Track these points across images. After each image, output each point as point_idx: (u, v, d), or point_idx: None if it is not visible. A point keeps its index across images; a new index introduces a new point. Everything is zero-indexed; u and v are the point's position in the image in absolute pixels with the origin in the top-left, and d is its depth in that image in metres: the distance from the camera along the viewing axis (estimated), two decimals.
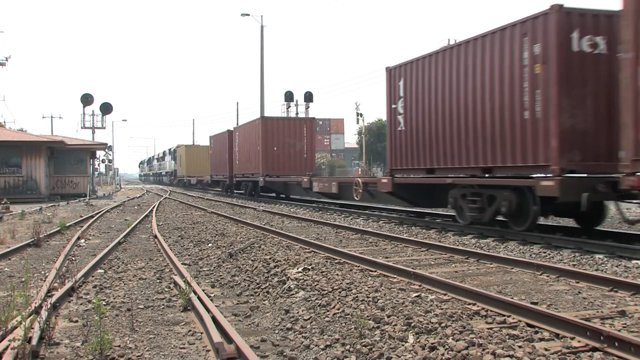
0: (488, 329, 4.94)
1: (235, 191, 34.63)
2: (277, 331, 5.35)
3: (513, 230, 11.44)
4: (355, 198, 18.94)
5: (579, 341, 4.54)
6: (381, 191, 16.34)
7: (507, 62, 11.27)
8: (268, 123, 28.00)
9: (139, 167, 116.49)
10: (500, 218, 12.15)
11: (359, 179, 19.68)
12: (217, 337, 4.65)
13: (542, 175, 10.61)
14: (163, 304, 6.43)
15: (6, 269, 8.97)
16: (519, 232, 11.21)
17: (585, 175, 10.41)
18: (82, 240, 12.53)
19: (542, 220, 12.22)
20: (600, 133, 10.13)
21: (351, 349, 4.60)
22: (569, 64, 10.19)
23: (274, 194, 29.41)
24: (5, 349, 4.34)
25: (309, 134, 28.28)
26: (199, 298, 6.08)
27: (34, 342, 4.56)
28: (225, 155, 34.58)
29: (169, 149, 64.50)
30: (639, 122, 8.51)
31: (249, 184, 30.80)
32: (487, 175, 12.13)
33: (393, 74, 15.55)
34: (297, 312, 5.90)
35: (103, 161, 66.94)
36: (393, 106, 15.52)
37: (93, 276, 8.14)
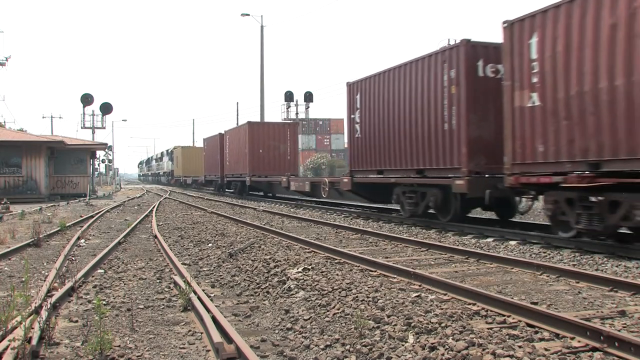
0: (488, 329, 4.94)
1: (226, 190, 36.66)
2: (277, 331, 5.35)
3: (513, 231, 11.56)
4: (323, 195, 22.13)
5: (579, 341, 4.54)
6: (343, 189, 19.20)
7: (433, 83, 13.62)
8: (255, 127, 30.46)
9: (138, 167, 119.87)
10: (431, 211, 14.48)
11: (326, 178, 22.82)
12: (217, 337, 4.65)
13: (457, 175, 12.76)
14: (163, 304, 6.43)
15: (6, 268, 8.97)
16: (519, 233, 11.34)
17: (488, 175, 12.57)
18: (82, 240, 12.53)
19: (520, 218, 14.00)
20: (499, 142, 11.65)
21: (351, 349, 4.60)
22: (476, 86, 12.58)
23: (261, 193, 31.95)
24: (5, 349, 4.34)
25: (292, 137, 30.58)
26: (199, 298, 6.09)
27: (34, 342, 4.56)
28: (217, 156, 36.86)
29: (167, 150, 66.90)
30: (515, 135, 10.86)
31: (237, 183, 32.95)
32: (419, 175, 14.38)
33: (352, 88, 17.87)
34: (297, 312, 5.90)
35: (103, 161, 66.97)
36: (352, 116, 17.92)
37: (93, 276, 8.14)
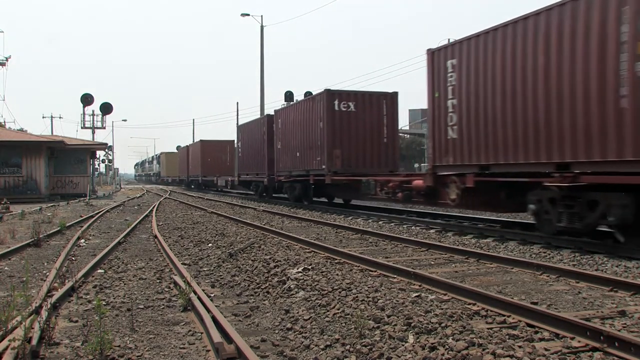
0: (488, 329, 4.94)
1: (190, 186, 52.71)
2: (277, 331, 5.35)
3: (513, 231, 11.57)
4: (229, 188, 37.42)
5: (579, 341, 4.54)
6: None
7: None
8: (205, 144, 45.41)
9: (134, 168, 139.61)
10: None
11: (230, 177, 36.15)
12: (217, 337, 4.65)
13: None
14: (163, 304, 6.43)
15: (6, 268, 8.97)
16: (518, 232, 11.31)
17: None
18: (82, 240, 12.52)
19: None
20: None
21: (351, 349, 4.60)
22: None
23: (213, 188, 44.33)
24: (6, 349, 4.34)
25: (230, 151, 42.81)
26: (199, 298, 6.08)
27: (34, 342, 4.56)
28: (185, 163, 53.94)
29: (155, 155, 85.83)
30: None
31: (197, 181, 48.32)
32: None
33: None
34: (297, 312, 5.90)
35: (103, 161, 66.93)
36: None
37: (93, 276, 8.14)
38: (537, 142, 10.38)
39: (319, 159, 21.04)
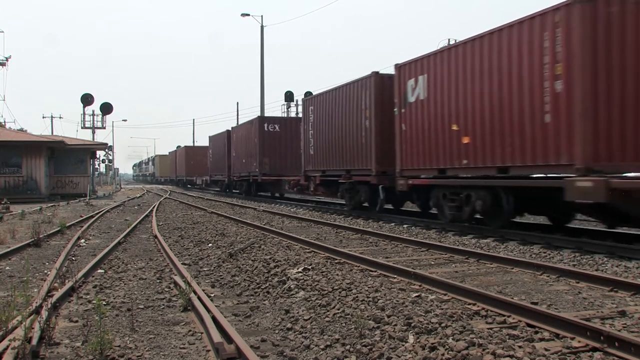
0: (488, 329, 4.94)
1: (177, 184, 62.39)
2: (277, 331, 5.35)
3: (513, 231, 11.58)
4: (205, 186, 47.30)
5: (579, 341, 4.54)
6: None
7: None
8: (189, 149, 56.04)
9: (133, 169, 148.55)
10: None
11: (206, 177, 44.59)
12: (217, 337, 4.65)
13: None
14: (163, 304, 6.43)
15: (7, 268, 8.97)
16: (518, 233, 11.34)
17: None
18: (82, 240, 12.52)
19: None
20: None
21: (351, 349, 4.60)
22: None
23: (196, 186, 53.36)
24: (6, 348, 4.34)
25: (206, 154, 46.27)
26: (199, 298, 6.08)
27: (34, 342, 4.56)
28: (174, 164, 63.08)
29: (150, 157, 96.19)
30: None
31: (183, 180, 57.81)
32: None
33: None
34: (297, 312, 5.90)
35: (103, 161, 67.00)
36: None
37: (93, 276, 8.14)
38: (339, 158, 19.23)
39: (255, 164, 29.57)
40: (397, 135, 15.20)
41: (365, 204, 18.34)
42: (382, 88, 16.52)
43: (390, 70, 15.94)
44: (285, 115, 46.01)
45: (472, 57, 12.21)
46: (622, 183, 9.05)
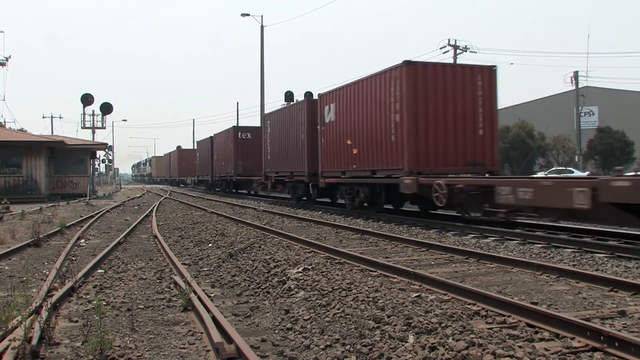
0: (488, 329, 4.94)
1: (172, 184, 67.20)
2: (277, 331, 5.35)
3: (513, 231, 11.64)
4: (193, 185, 54.26)
5: (579, 341, 4.53)
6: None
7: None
8: (181, 151, 61.15)
9: (131, 169, 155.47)
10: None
11: (194, 177, 49.68)
12: (217, 337, 4.65)
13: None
14: (163, 304, 6.43)
15: (6, 268, 8.97)
16: (518, 233, 11.38)
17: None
18: (82, 240, 12.52)
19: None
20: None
21: (351, 349, 4.60)
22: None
23: (186, 185, 60.04)
24: (6, 348, 4.34)
25: (194, 157, 51.64)
26: (199, 298, 6.08)
27: (34, 342, 4.56)
28: (168, 165, 69.07)
29: (148, 158, 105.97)
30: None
31: (176, 180, 63.82)
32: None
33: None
34: (297, 312, 5.89)
35: (103, 161, 66.98)
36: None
37: (93, 276, 8.14)
38: (286, 163, 24.52)
39: (231, 167, 34.89)
40: (319, 146, 20.77)
41: (304, 198, 24.46)
42: (313, 111, 21.60)
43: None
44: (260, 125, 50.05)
45: (357, 93, 17.75)
46: (424, 180, 14.56)
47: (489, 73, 15.81)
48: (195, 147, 50.88)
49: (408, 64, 15.05)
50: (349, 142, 18.24)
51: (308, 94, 50.17)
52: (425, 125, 15.04)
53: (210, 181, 43.30)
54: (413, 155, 14.99)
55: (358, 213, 17.91)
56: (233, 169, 34.42)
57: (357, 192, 18.34)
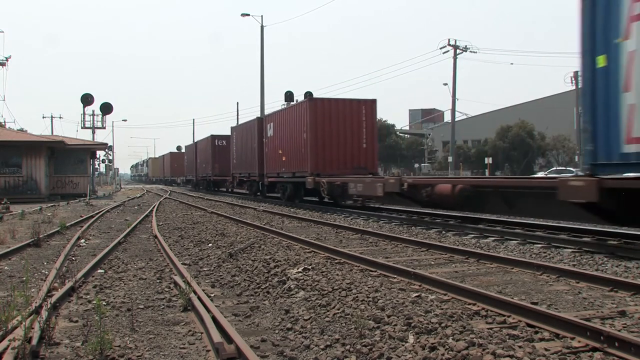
0: (488, 329, 4.94)
1: (165, 183, 75.40)
2: (277, 331, 5.35)
3: (513, 231, 11.64)
4: (181, 185, 64.55)
5: (579, 341, 4.53)
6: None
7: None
8: (173, 154, 69.65)
9: (131, 169, 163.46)
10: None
11: (183, 177, 61.37)
12: (217, 337, 4.65)
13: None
14: (163, 304, 6.43)
15: (6, 268, 8.97)
16: (518, 233, 11.37)
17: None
18: (82, 240, 12.53)
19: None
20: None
21: (351, 349, 4.60)
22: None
23: (178, 185, 66.26)
24: (6, 348, 4.34)
25: (183, 159, 59.98)
26: (199, 298, 6.08)
27: (34, 342, 4.56)
28: (162, 167, 76.23)
29: (145, 160, 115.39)
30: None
31: (169, 179, 70.93)
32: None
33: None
34: (297, 312, 5.90)
35: (103, 161, 67.02)
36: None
37: (93, 276, 8.14)
38: (245, 166, 32.23)
39: (210, 168, 41.54)
40: (265, 154, 27.63)
41: (258, 193, 31.06)
42: (262, 127, 28.49)
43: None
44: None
45: (286, 117, 24.97)
46: (317, 179, 21.18)
47: (370, 104, 22.33)
48: (185, 152, 59.44)
49: (310, 100, 22.65)
50: (280, 152, 25.20)
51: (308, 94, 50.24)
52: (323, 141, 21.77)
53: (195, 180, 51.01)
54: (314, 162, 21.78)
55: (306, 206, 22.61)
56: (211, 170, 41.21)
57: (286, 188, 25.50)
